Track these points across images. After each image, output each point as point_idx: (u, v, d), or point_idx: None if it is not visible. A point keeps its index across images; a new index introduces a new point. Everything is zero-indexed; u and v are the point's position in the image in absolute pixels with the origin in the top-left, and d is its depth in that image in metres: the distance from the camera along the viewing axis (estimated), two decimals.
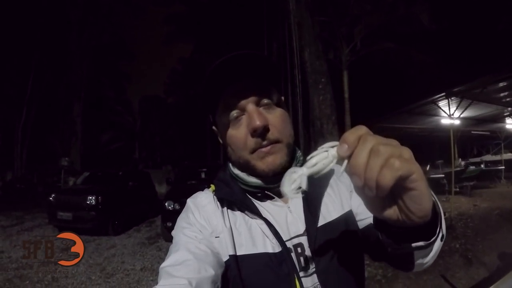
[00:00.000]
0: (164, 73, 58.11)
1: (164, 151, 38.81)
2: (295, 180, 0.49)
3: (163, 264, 0.68)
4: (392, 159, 0.41)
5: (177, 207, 7.00)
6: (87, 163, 20.47)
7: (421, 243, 0.55)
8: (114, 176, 9.59)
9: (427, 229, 0.54)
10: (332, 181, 0.89)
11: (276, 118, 0.77)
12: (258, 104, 0.75)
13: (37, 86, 20.69)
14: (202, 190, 0.90)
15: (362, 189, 0.44)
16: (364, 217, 0.82)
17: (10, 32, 18.45)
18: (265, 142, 0.74)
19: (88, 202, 7.83)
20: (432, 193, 0.51)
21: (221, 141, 0.87)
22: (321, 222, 0.80)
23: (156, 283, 0.64)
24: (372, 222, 0.74)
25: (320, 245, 0.77)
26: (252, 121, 0.72)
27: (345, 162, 0.46)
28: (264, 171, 0.77)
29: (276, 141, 0.76)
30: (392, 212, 0.48)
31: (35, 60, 20.02)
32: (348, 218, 0.85)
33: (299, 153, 0.87)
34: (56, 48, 20.66)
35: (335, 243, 0.79)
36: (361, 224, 0.83)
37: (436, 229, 0.56)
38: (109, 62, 27.36)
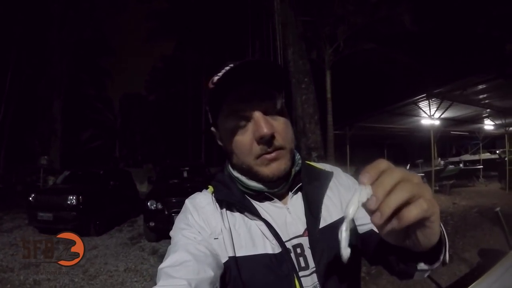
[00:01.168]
0: (146, 70, 57.35)
1: (145, 149, 38.46)
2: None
3: (162, 265, 0.67)
4: (421, 200, 0.44)
5: (159, 206, 6.94)
6: (67, 162, 20.06)
7: (425, 267, 0.63)
8: (95, 175, 9.36)
9: (431, 254, 0.59)
10: (332, 183, 0.89)
11: (280, 125, 0.77)
12: (263, 110, 0.75)
13: (16, 83, 20.16)
14: (200, 190, 0.90)
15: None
16: (364, 222, 0.82)
17: None
18: (270, 149, 0.75)
19: (69, 202, 7.62)
20: (441, 224, 0.55)
21: (220, 143, 0.87)
22: (322, 224, 0.81)
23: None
24: (372, 228, 0.76)
25: (321, 246, 0.78)
26: (259, 128, 0.73)
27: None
28: (268, 177, 0.78)
29: (281, 148, 0.77)
30: (400, 238, 0.51)
31: (13, 57, 19.46)
32: None
33: (298, 156, 0.88)
34: (35, 43, 20.14)
35: (335, 245, 0.79)
36: (361, 229, 0.83)
37: (440, 255, 0.61)
38: (89, 58, 26.88)
